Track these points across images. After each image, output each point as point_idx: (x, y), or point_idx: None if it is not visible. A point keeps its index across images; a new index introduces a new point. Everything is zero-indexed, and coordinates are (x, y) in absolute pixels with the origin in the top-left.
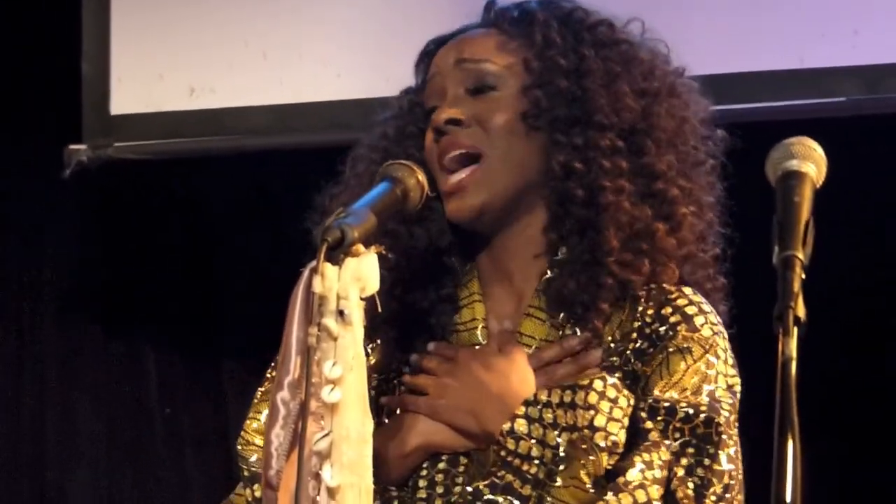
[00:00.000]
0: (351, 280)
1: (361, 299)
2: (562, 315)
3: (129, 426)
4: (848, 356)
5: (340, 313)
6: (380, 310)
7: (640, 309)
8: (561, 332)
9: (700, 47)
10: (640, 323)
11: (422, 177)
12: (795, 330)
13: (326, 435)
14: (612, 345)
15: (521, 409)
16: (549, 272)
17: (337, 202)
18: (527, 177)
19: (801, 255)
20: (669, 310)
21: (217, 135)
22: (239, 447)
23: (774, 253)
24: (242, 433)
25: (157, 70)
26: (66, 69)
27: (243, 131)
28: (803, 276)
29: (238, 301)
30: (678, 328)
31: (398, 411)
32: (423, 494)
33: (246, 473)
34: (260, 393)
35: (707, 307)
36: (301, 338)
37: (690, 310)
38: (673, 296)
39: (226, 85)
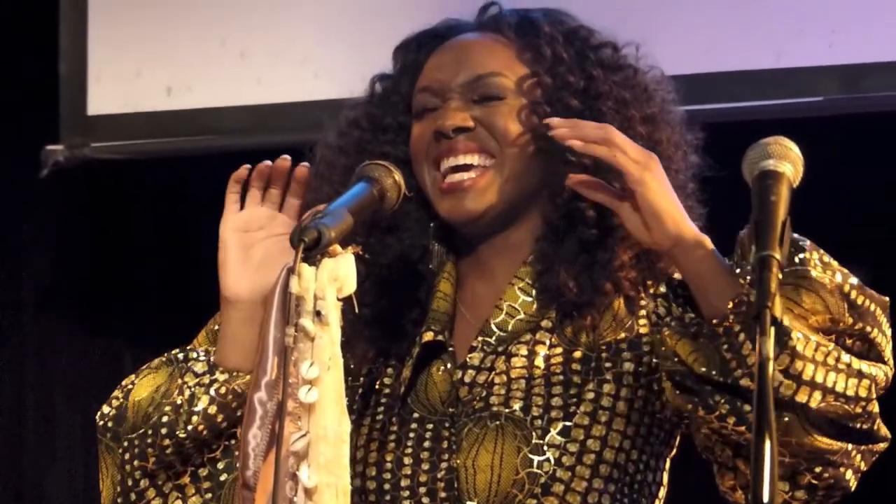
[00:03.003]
0: (328, 280)
1: (338, 300)
2: (547, 299)
3: None
4: None
5: (317, 314)
6: (357, 310)
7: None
8: (543, 318)
9: (675, 46)
10: (646, 301)
11: (399, 177)
12: (772, 330)
13: (304, 435)
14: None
15: None
16: (538, 258)
17: (310, 194)
18: (528, 187)
19: (777, 255)
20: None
21: (194, 134)
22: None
23: (751, 253)
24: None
25: (135, 70)
26: (43, 69)
27: (221, 131)
28: (780, 276)
29: (216, 299)
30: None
31: None
32: (408, 471)
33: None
34: (204, 332)
35: None
36: (278, 338)
37: None
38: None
39: (203, 85)
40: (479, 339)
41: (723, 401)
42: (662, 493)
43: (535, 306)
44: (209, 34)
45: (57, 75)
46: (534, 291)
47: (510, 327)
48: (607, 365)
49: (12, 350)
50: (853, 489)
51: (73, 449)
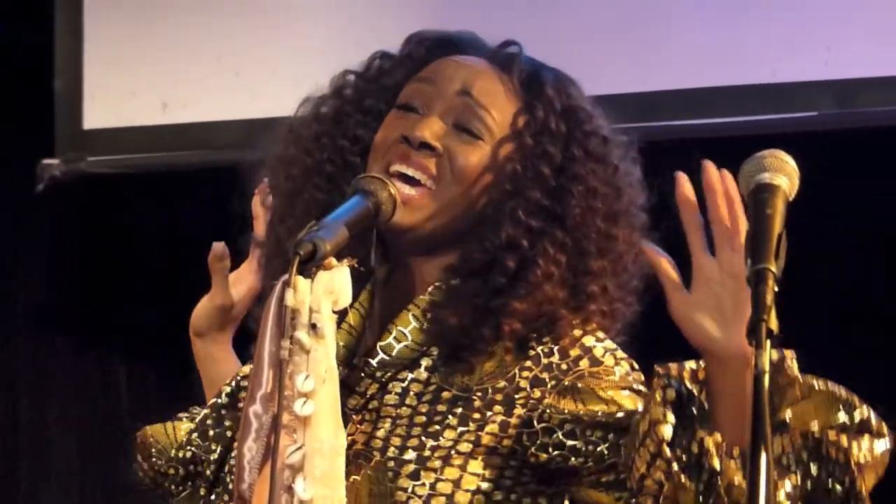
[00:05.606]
0: (323, 293)
1: (334, 312)
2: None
3: (100, 440)
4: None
5: (313, 326)
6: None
7: (531, 348)
8: (425, 353)
9: (671, 61)
10: (533, 353)
11: (394, 190)
12: (768, 343)
13: (299, 448)
14: (488, 382)
15: None
16: (439, 290)
17: (275, 175)
18: (456, 228)
19: (773, 268)
20: (567, 341)
21: (189, 149)
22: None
23: (747, 266)
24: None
25: (130, 85)
26: (39, 84)
27: (215, 146)
28: (776, 289)
29: None
30: (580, 362)
31: None
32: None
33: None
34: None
35: (608, 342)
36: (274, 351)
37: (588, 340)
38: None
39: (198, 100)
40: (361, 358)
41: None
42: None
43: (421, 336)
44: (205, 51)
45: (52, 90)
46: (424, 323)
47: (394, 353)
48: (476, 416)
49: (6, 364)
50: None
51: (68, 468)
